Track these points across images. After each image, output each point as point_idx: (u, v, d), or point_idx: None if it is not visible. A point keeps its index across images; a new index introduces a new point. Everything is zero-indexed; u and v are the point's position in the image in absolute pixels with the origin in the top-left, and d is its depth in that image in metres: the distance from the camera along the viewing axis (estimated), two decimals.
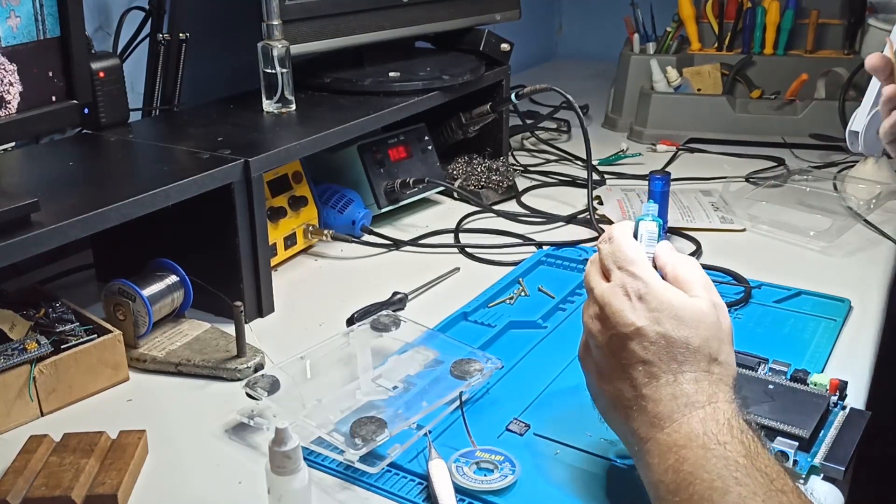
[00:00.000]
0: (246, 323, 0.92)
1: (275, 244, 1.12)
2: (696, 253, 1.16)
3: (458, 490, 0.70)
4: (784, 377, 0.82)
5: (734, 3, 1.72)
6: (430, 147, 1.37)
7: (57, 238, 0.82)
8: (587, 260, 1.11)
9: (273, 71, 1.16)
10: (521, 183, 1.46)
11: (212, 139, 1.07)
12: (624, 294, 0.65)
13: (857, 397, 0.82)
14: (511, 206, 1.37)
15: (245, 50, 1.20)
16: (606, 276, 0.68)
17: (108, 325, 0.90)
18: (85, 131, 1.12)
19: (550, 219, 1.30)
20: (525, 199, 1.40)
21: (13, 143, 1.04)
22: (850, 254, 1.17)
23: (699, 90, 1.71)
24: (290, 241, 1.15)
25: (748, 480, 0.57)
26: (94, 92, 1.06)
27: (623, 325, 0.64)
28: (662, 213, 1.18)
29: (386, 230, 1.25)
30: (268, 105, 1.19)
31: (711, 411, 0.61)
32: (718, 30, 1.75)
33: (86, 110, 1.06)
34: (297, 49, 1.19)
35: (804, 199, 1.34)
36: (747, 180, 1.44)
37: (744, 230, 1.24)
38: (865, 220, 1.25)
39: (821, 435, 0.75)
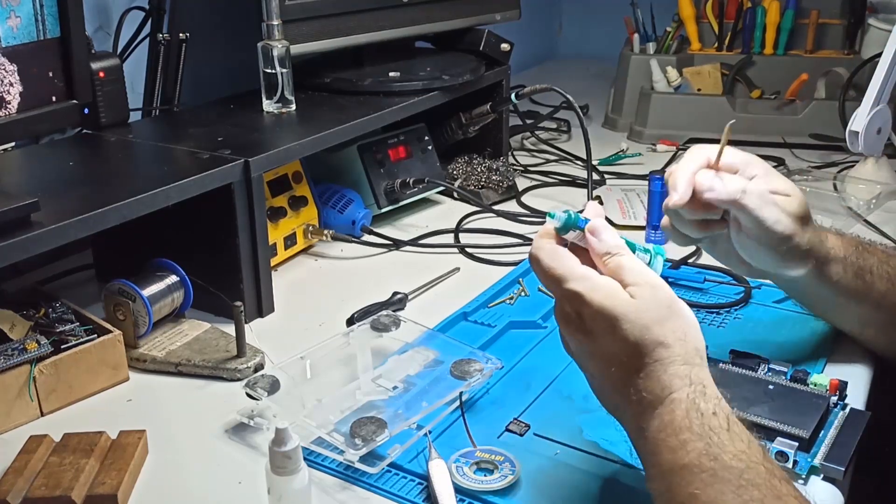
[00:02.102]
0: (246, 323, 0.92)
1: (275, 244, 1.12)
2: (696, 253, 1.16)
3: (458, 490, 0.70)
4: (784, 377, 0.82)
5: (734, 3, 1.72)
6: (430, 147, 1.37)
7: (57, 238, 0.82)
8: None
9: (273, 71, 1.16)
10: (521, 183, 1.46)
11: (212, 139, 1.07)
12: (566, 318, 0.66)
13: (857, 397, 0.82)
14: (511, 206, 1.37)
15: (245, 50, 1.20)
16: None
17: (108, 325, 0.90)
18: (85, 131, 1.12)
19: None
20: (525, 199, 1.40)
21: (13, 143, 1.04)
22: None
23: (699, 90, 1.71)
24: (290, 241, 1.15)
25: (713, 480, 0.57)
26: (94, 92, 1.06)
27: (578, 354, 0.67)
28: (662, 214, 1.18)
29: (386, 230, 1.25)
30: (268, 105, 1.19)
31: (669, 410, 0.60)
32: (718, 30, 1.75)
33: (86, 110, 1.06)
34: (297, 49, 1.19)
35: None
36: None
37: None
38: (865, 221, 1.25)
39: (821, 435, 0.75)
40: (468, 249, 1.20)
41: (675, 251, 1.15)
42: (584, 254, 0.67)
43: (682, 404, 0.60)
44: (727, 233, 0.80)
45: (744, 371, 0.83)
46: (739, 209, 0.76)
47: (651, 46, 1.77)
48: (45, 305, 0.91)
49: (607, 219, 0.72)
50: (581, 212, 0.68)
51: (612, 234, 0.67)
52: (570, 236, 0.67)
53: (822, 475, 0.72)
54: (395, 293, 1.04)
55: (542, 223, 1.27)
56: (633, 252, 0.67)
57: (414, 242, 1.22)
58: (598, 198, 1.35)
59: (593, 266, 0.66)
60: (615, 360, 0.63)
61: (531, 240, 1.20)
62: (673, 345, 0.62)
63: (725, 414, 0.60)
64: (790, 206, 0.77)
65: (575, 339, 0.66)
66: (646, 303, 0.62)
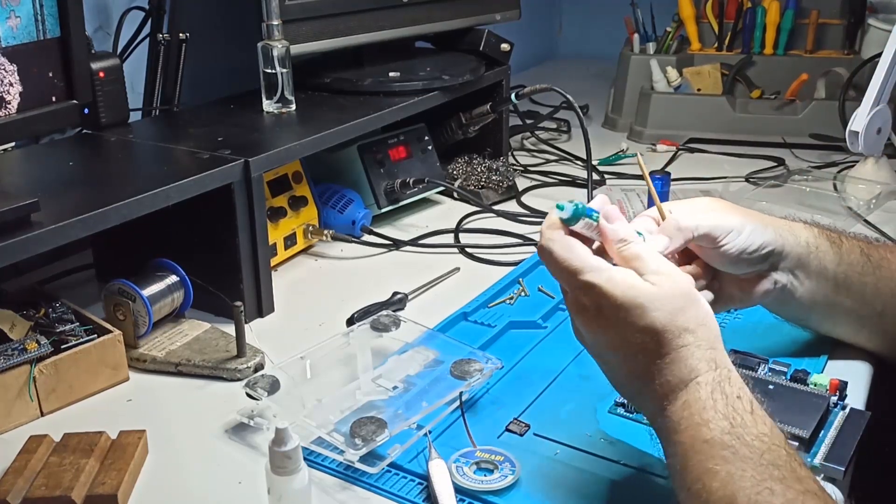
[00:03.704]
0: (246, 323, 0.92)
1: (275, 244, 1.12)
2: None
3: (458, 490, 0.70)
4: (784, 377, 0.82)
5: (734, 3, 1.72)
6: (430, 147, 1.37)
7: (57, 238, 0.82)
8: None
9: (273, 71, 1.16)
10: (521, 183, 1.46)
11: (212, 139, 1.07)
12: (581, 309, 0.65)
13: (857, 397, 0.82)
14: (511, 206, 1.37)
15: (245, 50, 1.20)
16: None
17: (108, 325, 0.90)
18: (85, 131, 1.12)
19: None
20: (525, 199, 1.40)
21: (13, 143, 1.04)
22: None
23: (699, 90, 1.71)
24: (290, 241, 1.15)
25: (734, 457, 0.58)
26: (94, 92, 1.06)
27: (594, 344, 0.66)
28: None
29: (386, 230, 1.25)
30: (268, 105, 1.19)
31: (694, 390, 0.62)
32: (718, 30, 1.75)
33: (86, 110, 1.06)
34: (297, 49, 1.19)
35: (804, 199, 1.34)
36: (747, 180, 1.44)
37: None
38: (865, 221, 1.25)
39: (821, 435, 0.75)
40: (468, 249, 1.20)
41: None
42: (588, 245, 0.67)
43: (707, 386, 0.62)
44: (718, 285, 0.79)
45: (744, 371, 0.82)
46: (691, 238, 0.74)
47: (651, 46, 1.77)
48: (45, 305, 0.91)
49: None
50: (588, 202, 0.68)
51: (625, 222, 0.67)
52: (578, 227, 0.66)
53: (822, 475, 0.72)
54: (395, 293, 1.04)
55: (542, 223, 1.28)
56: None
57: (414, 242, 1.22)
58: None
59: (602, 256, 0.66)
60: (638, 348, 0.63)
61: (531, 240, 1.22)
62: (697, 330, 0.63)
63: (749, 398, 0.61)
64: (715, 211, 0.76)
65: (591, 330, 0.66)
66: (668, 290, 0.63)
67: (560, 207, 0.65)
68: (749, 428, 0.59)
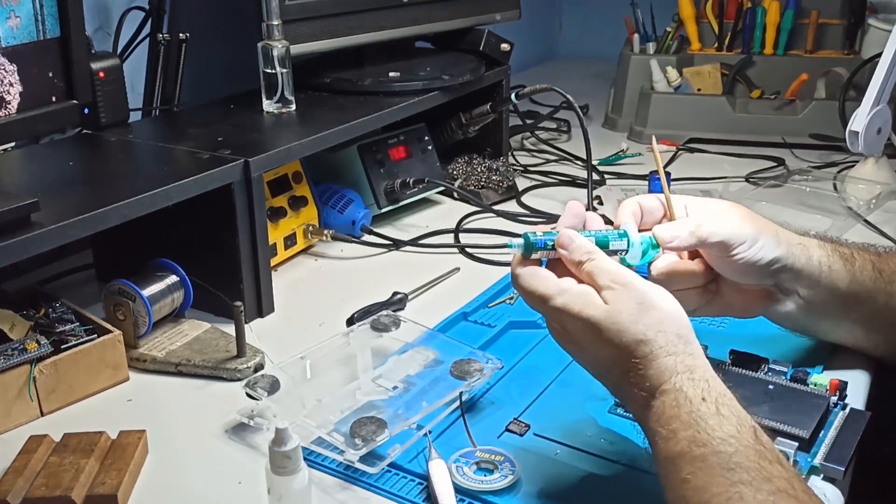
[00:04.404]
0: (246, 323, 0.92)
1: (275, 244, 1.12)
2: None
3: (458, 490, 0.70)
4: (784, 377, 0.82)
5: (734, 3, 1.72)
6: (430, 147, 1.37)
7: (57, 238, 0.82)
8: None
9: (273, 71, 1.16)
10: (521, 183, 1.46)
11: (212, 139, 1.07)
12: (556, 333, 0.68)
13: (857, 397, 0.82)
14: (511, 206, 1.37)
15: (245, 50, 1.20)
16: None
17: (108, 325, 0.90)
18: (85, 131, 1.12)
19: (550, 219, 1.30)
20: (525, 199, 1.40)
21: (13, 143, 1.04)
22: None
23: (699, 90, 1.71)
24: (290, 241, 1.15)
25: (704, 466, 0.58)
26: (94, 92, 1.06)
27: (578, 362, 0.69)
28: None
29: (386, 230, 1.25)
30: (268, 105, 1.19)
31: (660, 401, 0.62)
32: (718, 30, 1.75)
33: (86, 110, 1.06)
34: (297, 49, 1.19)
35: (804, 199, 1.34)
36: (747, 180, 1.44)
37: None
38: (865, 221, 1.25)
39: (821, 435, 0.75)
40: (468, 249, 1.20)
41: None
42: (563, 265, 0.68)
43: (670, 395, 0.62)
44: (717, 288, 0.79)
45: (744, 371, 0.83)
46: (703, 244, 0.73)
47: (651, 46, 1.77)
48: (45, 305, 0.91)
49: (609, 220, 0.72)
50: (588, 202, 0.68)
51: (583, 239, 0.68)
52: (541, 255, 0.68)
53: (822, 475, 0.72)
54: (395, 293, 1.04)
55: (542, 223, 1.29)
56: (607, 245, 0.69)
57: (414, 242, 1.22)
58: (598, 197, 1.35)
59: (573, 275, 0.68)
60: (607, 365, 0.65)
61: None
62: (653, 339, 0.63)
63: (714, 397, 0.61)
64: (732, 219, 0.75)
65: (570, 351, 0.69)
66: (618, 305, 0.63)
67: (510, 246, 0.68)
68: (716, 432, 0.59)
